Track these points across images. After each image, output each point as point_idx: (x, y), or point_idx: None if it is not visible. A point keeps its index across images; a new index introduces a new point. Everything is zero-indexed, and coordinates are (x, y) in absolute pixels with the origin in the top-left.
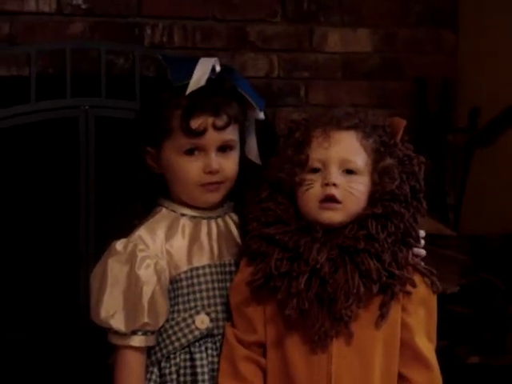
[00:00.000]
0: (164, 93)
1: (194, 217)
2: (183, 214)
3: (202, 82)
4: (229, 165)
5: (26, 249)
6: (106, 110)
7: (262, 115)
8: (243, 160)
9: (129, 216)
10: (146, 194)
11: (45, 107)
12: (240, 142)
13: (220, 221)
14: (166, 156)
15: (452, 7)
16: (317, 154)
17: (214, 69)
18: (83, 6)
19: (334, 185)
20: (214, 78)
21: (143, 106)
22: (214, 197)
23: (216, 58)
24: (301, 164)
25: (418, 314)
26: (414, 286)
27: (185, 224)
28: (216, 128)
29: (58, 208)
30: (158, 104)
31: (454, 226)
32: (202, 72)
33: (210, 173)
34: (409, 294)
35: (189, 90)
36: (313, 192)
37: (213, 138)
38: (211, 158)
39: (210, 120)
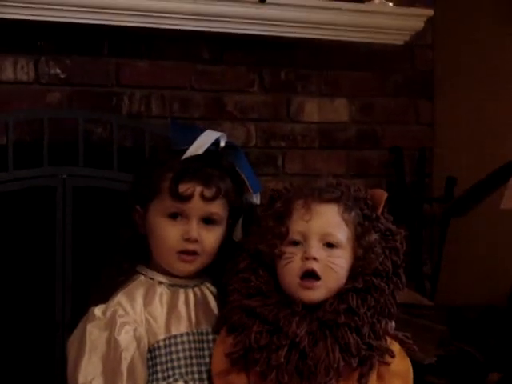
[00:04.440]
0: (162, 154)
1: (171, 285)
2: (161, 282)
3: (200, 151)
4: (209, 238)
5: (2, 315)
6: (83, 179)
7: (256, 199)
8: (228, 241)
9: (106, 283)
10: (127, 256)
11: (22, 176)
12: (229, 222)
13: (197, 290)
14: (151, 216)
15: (428, 77)
16: (297, 226)
17: (218, 143)
18: (61, 75)
19: (315, 259)
20: (214, 151)
21: (141, 166)
22: (188, 268)
23: (224, 134)
24: (281, 236)
25: None
26: (392, 356)
27: (162, 292)
28: (203, 198)
29: (34, 276)
30: (154, 164)
31: (431, 295)
32: (203, 142)
33: (188, 240)
34: (387, 364)
35: (185, 156)
36: (292, 266)
37: (198, 206)
38: (191, 226)
39: (199, 188)
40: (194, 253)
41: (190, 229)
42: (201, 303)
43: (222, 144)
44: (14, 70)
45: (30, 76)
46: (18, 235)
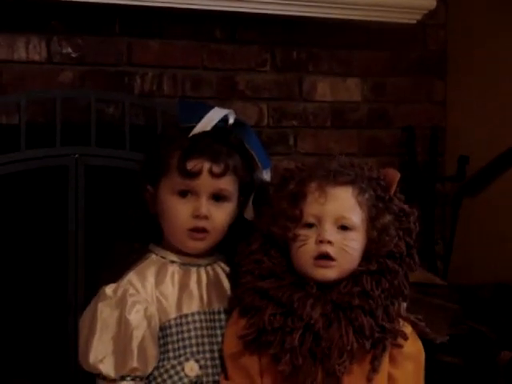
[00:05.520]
0: (170, 132)
1: (183, 264)
2: (173, 261)
3: (208, 128)
4: (219, 215)
5: (14, 296)
6: (95, 158)
7: (266, 175)
8: (240, 219)
9: (118, 263)
10: (139, 236)
11: (34, 156)
12: (240, 200)
13: (209, 269)
14: (161, 195)
15: (441, 57)
16: (312, 209)
17: (226, 120)
18: (73, 55)
19: (329, 242)
20: (223, 128)
21: (150, 145)
22: (199, 245)
23: (232, 110)
24: (295, 219)
25: (406, 368)
26: (405, 338)
27: (174, 271)
28: (212, 174)
29: (47, 256)
30: (162, 142)
31: (444, 275)
32: (211, 119)
33: (198, 217)
34: (400, 347)
35: (193, 133)
36: (307, 248)
37: (206, 183)
38: (201, 203)
39: (207, 165)
40: (204, 230)
41: (200, 205)
42: (213, 282)
43: (231, 121)
44: (26, 49)
45: (42, 55)
46: (30, 215)
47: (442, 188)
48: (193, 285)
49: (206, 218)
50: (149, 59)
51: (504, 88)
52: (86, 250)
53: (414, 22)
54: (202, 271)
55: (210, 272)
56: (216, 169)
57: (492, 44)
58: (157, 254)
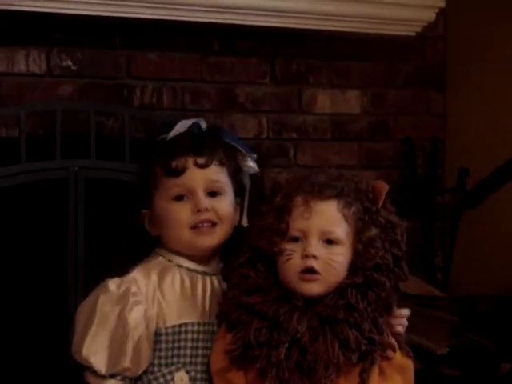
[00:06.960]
0: (149, 156)
1: (189, 270)
2: (179, 266)
3: (182, 130)
4: (221, 205)
5: (15, 307)
6: (95, 171)
7: (253, 164)
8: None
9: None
10: (140, 251)
11: (34, 168)
12: (237, 202)
13: (214, 279)
14: (158, 210)
15: (440, 69)
16: (297, 223)
17: (199, 126)
18: (73, 68)
19: (314, 257)
20: (199, 133)
21: (137, 175)
22: (208, 240)
23: (201, 119)
24: (280, 233)
25: (395, 380)
26: (394, 350)
27: (180, 276)
28: (198, 165)
29: (46, 269)
30: (146, 165)
31: (443, 287)
32: (182, 125)
33: (199, 211)
34: (389, 359)
35: (169, 136)
36: (292, 263)
37: (196, 176)
38: (198, 198)
39: (191, 159)
40: (208, 222)
41: (197, 201)
42: (216, 293)
43: (203, 125)
44: (26, 62)
45: (42, 68)
46: (30, 227)
47: (441, 200)
48: (197, 293)
49: (206, 210)
50: (148, 72)
51: (503, 100)
52: (85, 262)
53: (413, 34)
54: (208, 280)
55: (215, 282)
56: (200, 160)
57: (491, 56)
58: (164, 257)
